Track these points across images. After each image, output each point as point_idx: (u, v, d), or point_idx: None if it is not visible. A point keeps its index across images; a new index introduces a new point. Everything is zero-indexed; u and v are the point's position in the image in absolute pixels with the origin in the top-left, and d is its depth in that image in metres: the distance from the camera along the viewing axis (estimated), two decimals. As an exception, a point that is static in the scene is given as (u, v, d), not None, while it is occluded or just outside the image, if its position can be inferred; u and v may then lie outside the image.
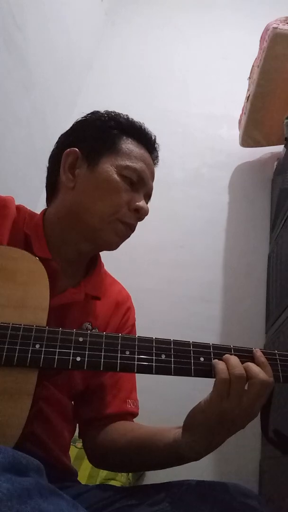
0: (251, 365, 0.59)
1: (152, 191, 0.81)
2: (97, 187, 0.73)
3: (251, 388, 0.57)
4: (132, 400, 0.81)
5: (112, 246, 0.76)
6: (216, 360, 0.60)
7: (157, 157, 0.83)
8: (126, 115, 0.80)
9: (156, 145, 0.82)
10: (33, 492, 0.38)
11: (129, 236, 0.78)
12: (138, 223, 0.79)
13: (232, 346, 0.62)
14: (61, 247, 0.75)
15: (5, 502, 0.35)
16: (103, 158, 0.74)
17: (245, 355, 0.62)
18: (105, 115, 0.79)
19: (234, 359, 0.59)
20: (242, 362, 0.59)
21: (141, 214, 0.75)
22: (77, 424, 0.81)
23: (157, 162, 0.84)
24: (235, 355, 0.61)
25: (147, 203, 0.79)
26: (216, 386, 0.58)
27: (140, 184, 0.76)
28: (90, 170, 0.74)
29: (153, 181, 0.81)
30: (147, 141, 0.80)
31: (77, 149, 0.76)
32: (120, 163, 0.74)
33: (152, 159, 0.81)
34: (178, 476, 0.69)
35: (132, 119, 0.80)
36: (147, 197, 0.80)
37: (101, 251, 0.83)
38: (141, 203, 0.75)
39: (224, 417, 0.57)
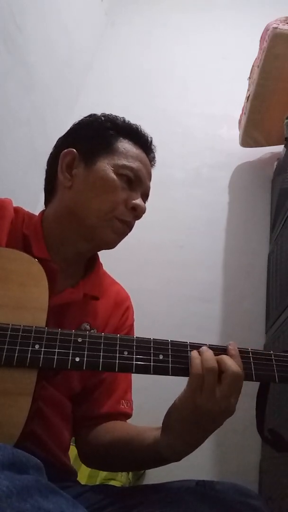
0: (225, 358, 0.59)
1: (149, 191, 0.82)
2: (94, 185, 0.74)
3: (223, 381, 0.57)
4: (126, 400, 0.81)
5: (110, 244, 0.77)
6: (193, 355, 0.59)
7: (154, 158, 0.84)
8: (123, 117, 0.82)
9: (152, 147, 0.83)
10: (33, 490, 0.38)
11: (126, 234, 0.78)
12: (138, 223, 0.79)
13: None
14: (59, 248, 0.76)
15: (4, 500, 0.35)
16: (100, 157, 0.75)
17: (242, 354, 0.62)
18: (102, 117, 0.81)
19: (207, 353, 0.59)
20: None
21: (138, 212, 0.76)
22: None
23: (154, 163, 0.85)
24: None
25: (144, 202, 0.79)
26: (189, 381, 0.58)
27: (137, 183, 0.77)
28: (87, 169, 0.75)
29: (150, 181, 0.82)
30: (143, 143, 0.81)
31: (74, 150, 0.77)
32: (117, 162, 0.75)
33: (149, 160, 0.82)
34: (178, 476, 0.69)
35: (129, 121, 0.81)
36: (144, 196, 0.80)
37: (99, 250, 0.83)
38: (138, 201, 0.76)
39: (198, 414, 0.57)
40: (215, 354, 0.60)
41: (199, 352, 0.60)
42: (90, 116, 0.82)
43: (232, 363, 0.58)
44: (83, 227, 0.74)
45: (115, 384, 0.80)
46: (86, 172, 0.75)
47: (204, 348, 0.60)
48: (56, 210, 0.78)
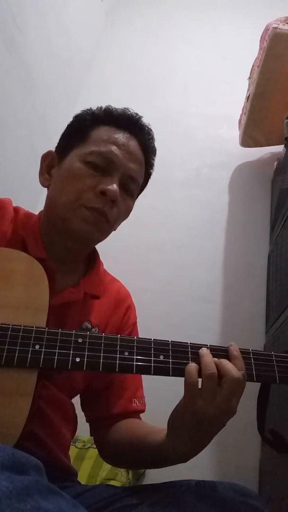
0: (224, 362, 0.58)
1: (133, 172, 0.75)
2: (61, 179, 0.74)
3: (223, 385, 0.56)
4: (138, 398, 0.81)
5: (84, 234, 0.71)
6: (189, 364, 0.58)
7: (147, 137, 0.78)
8: (108, 106, 0.78)
9: (140, 124, 0.78)
10: (33, 491, 0.38)
11: (102, 223, 0.72)
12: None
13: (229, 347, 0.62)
14: (53, 247, 0.75)
15: (4, 500, 0.35)
16: (72, 151, 0.75)
17: (243, 355, 0.61)
18: (84, 111, 0.79)
19: (207, 358, 0.58)
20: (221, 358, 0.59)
21: (108, 196, 0.70)
22: (88, 424, 0.83)
23: (150, 142, 0.79)
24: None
25: (129, 184, 0.75)
26: (185, 390, 0.57)
27: (111, 167, 0.72)
28: (59, 166, 0.76)
29: (137, 163, 0.75)
30: (125, 123, 0.76)
31: (52, 150, 0.79)
32: (84, 151, 0.73)
33: (140, 139, 0.77)
34: (178, 476, 0.69)
35: (114, 108, 0.77)
36: (128, 179, 0.74)
37: (85, 245, 0.78)
38: (110, 186, 0.70)
39: (200, 418, 0.56)
40: (217, 356, 0.59)
41: (198, 354, 0.59)
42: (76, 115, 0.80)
43: (232, 368, 0.57)
44: (58, 223, 0.73)
45: (125, 383, 0.80)
46: (58, 168, 0.76)
47: (204, 351, 0.60)
48: (44, 210, 0.79)
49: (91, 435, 0.83)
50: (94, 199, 0.70)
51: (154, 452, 0.66)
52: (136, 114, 0.78)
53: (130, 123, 0.76)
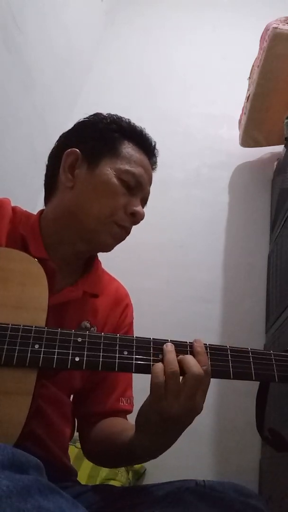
0: (188, 358, 0.58)
1: (148, 195, 0.82)
2: (95, 188, 0.74)
3: (186, 382, 0.56)
4: (126, 398, 0.82)
5: (107, 247, 0.77)
6: (156, 364, 0.58)
7: (155, 162, 0.84)
8: (128, 119, 0.81)
9: (155, 151, 0.83)
10: (33, 490, 0.38)
11: (123, 239, 0.78)
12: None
13: (228, 347, 0.62)
14: (57, 247, 0.76)
15: (4, 499, 0.35)
16: (103, 160, 0.75)
17: (242, 354, 0.62)
18: (107, 118, 0.80)
19: (170, 356, 0.58)
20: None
21: (136, 218, 0.76)
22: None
23: (155, 167, 0.85)
24: (230, 354, 0.61)
25: (143, 207, 0.79)
26: (151, 389, 0.57)
27: (138, 188, 0.77)
28: (89, 171, 0.75)
29: (150, 186, 0.82)
30: (147, 147, 0.81)
31: (77, 150, 0.77)
32: (119, 167, 0.75)
33: (151, 164, 0.82)
34: (178, 476, 0.69)
35: (134, 123, 0.81)
36: (144, 201, 0.81)
37: (96, 252, 0.83)
38: (138, 208, 0.76)
39: (164, 417, 0.56)
40: (181, 352, 0.59)
41: (162, 351, 0.59)
42: (95, 115, 0.81)
43: (194, 364, 0.57)
44: (81, 229, 0.75)
45: (115, 382, 0.81)
46: (89, 174, 0.75)
47: (168, 348, 0.59)
48: (55, 210, 0.77)
49: (77, 431, 0.83)
50: (125, 218, 0.75)
51: (125, 448, 0.66)
52: (151, 137, 0.83)
53: (149, 147, 0.81)
